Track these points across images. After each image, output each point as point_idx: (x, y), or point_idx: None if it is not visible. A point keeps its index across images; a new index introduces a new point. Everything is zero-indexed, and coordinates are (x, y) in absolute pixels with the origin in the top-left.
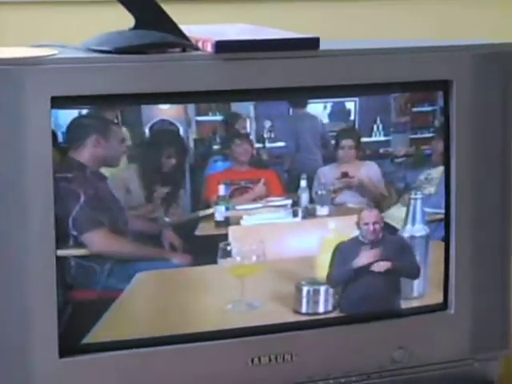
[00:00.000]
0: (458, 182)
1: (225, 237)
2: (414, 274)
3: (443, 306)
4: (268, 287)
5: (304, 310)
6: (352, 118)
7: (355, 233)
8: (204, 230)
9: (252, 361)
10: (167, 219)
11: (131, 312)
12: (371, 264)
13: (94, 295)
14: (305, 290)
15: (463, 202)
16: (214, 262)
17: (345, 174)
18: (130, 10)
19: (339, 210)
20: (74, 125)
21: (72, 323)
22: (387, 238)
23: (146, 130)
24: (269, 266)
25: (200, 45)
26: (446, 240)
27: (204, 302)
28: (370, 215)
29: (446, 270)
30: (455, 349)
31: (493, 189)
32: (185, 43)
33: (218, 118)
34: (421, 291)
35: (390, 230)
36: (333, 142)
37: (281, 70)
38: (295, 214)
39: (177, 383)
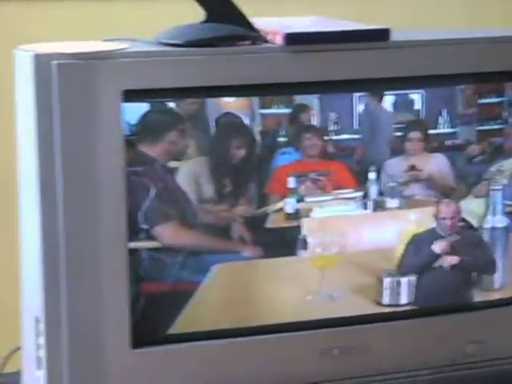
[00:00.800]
0: None
1: (297, 229)
2: (490, 269)
3: None
4: (348, 279)
5: (386, 301)
6: (419, 109)
7: (432, 225)
8: (274, 222)
9: (323, 353)
10: (237, 212)
11: (209, 304)
12: (445, 257)
13: (166, 287)
14: (386, 281)
15: None
16: (290, 253)
17: (412, 167)
18: (200, 3)
19: (409, 202)
20: (144, 118)
21: (145, 315)
22: (462, 231)
23: (213, 123)
24: (348, 257)
25: (270, 37)
26: None
27: (283, 294)
28: (448, 210)
29: None
30: None
31: None
32: (255, 36)
33: (287, 110)
34: (501, 283)
35: (464, 223)
36: (400, 134)
37: (351, 62)
38: (365, 207)
39: (254, 374)
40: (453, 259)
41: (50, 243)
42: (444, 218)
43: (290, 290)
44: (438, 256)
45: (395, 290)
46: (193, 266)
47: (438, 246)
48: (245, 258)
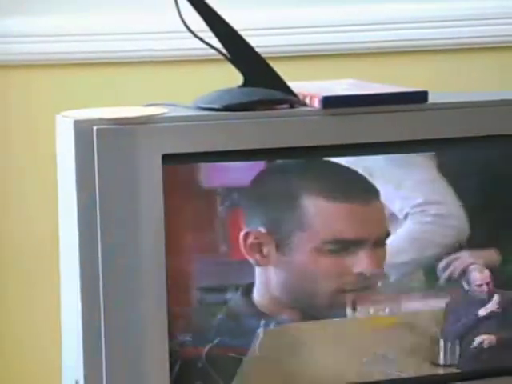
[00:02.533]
0: None
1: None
2: None
3: None
4: (402, 339)
5: (442, 361)
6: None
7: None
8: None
9: None
10: None
11: (259, 369)
12: (485, 319)
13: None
14: (442, 341)
15: None
16: (341, 315)
17: None
18: (238, 67)
19: None
20: (182, 182)
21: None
22: (501, 293)
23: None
24: (401, 318)
25: (308, 101)
26: None
27: (338, 356)
28: (480, 276)
29: None
30: None
31: None
32: (292, 99)
33: None
34: None
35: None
36: None
37: (389, 124)
38: None
39: None
40: (491, 322)
41: (90, 307)
42: (480, 285)
43: (345, 351)
44: (478, 322)
45: (450, 349)
46: (235, 330)
47: (478, 313)
48: (291, 321)
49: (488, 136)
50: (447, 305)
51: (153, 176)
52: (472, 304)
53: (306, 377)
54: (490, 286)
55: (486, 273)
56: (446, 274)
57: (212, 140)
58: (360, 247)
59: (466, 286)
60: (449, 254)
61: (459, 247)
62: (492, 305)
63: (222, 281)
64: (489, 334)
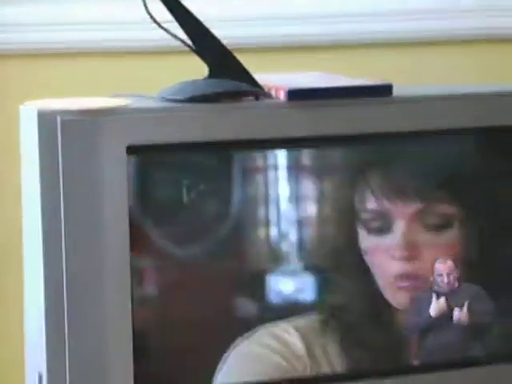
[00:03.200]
0: None
1: None
2: (487, 327)
3: None
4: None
5: (406, 353)
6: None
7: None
8: None
9: None
10: None
11: None
12: (446, 314)
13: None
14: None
15: None
16: None
17: None
18: (203, 59)
19: None
20: (147, 173)
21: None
22: (467, 286)
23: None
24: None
25: (273, 93)
26: None
27: None
28: (443, 267)
29: None
30: None
31: None
32: (258, 91)
33: None
34: (501, 338)
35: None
36: None
37: (353, 117)
38: None
39: None
40: (454, 315)
41: (53, 299)
42: (441, 275)
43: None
44: (440, 316)
45: (415, 341)
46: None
47: (433, 309)
48: None
49: (452, 129)
50: (412, 296)
51: (117, 167)
52: (435, 295)
53: None
54: (452, 277)
55: (450, 264)
56: None
57: (176, 131)
58: None
59: (430, 278)
60: None
61: None
62: (455, 297)
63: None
64: (451, 326)
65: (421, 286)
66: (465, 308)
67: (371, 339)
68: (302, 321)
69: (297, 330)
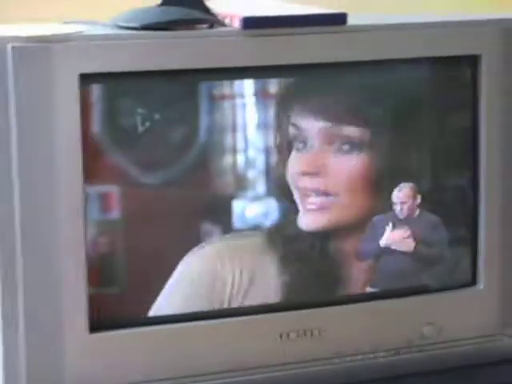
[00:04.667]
0: (487, 164)
1: None
2: (440, 256)
3: (472, 281)
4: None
5: (355, 280)
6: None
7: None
8: None
9: (281, 336)
10: None
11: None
12: (400, 241)
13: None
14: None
15: (492, 186)
16: None
17: None
18: None
19: None
20: (101, 101)
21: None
22: (424, 215)
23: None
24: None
25: (227, 21)
26: (475, 217)
27: None
28: (398, 195)
29: (475, 245)
30: (484, 324)
31: None
32: (212, 19)
33: None
34: (451, 267)
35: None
36: None
37: (308, 46)
38: None
39: (207, 359)
40: (407, 243)
41: (4, 227)
42: (395, 203)
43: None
44: (393, 243)
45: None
46: None
47: (394, 235)
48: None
49: (406, 59)
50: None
51: (70, 95)
52: (391, 223)
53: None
54: (407, 206)
55: (406, 192)
56: None
57: (130, 59)
58: None
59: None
60: None
61: None
62: (411, 225)
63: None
64: (404, 254)
65: (329, 204)
66: (419, 237)
67: (309, 266)
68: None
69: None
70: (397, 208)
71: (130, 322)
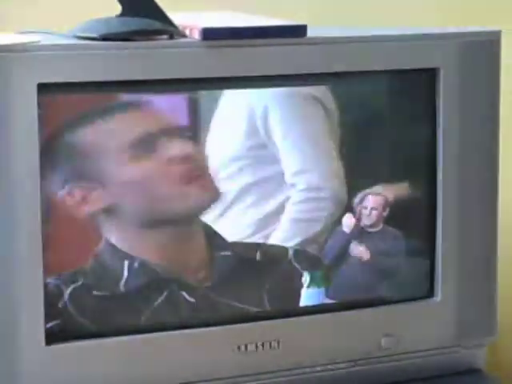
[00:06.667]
0: (445, 177)
1: None
2: (398, 268)
3: (430, 293)
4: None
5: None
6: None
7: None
8: None
9: (239, 348)
10: None
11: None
12: (359, 253)
13: None
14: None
15: (450, 199)
16: None
17: None
18: None
19: None
20: (58, 112)
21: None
22: (386, 228)
23: None
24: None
25: (187, 32)
26: (433, 230)
27: None
28: (374, 199)
29: (432, 258)
30: (442, 336)
31: (478, 180)
32: (172, 30)
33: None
34: (408, 279)
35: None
36: None
37: (268, 58)
38: None
39: (165, 371)
40: (363, 253)
41: None
42: (366, 207)
43: None
44: (348, 241)
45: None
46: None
47: (345, 222)
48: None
49: (366, 71)
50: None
51: (28, 105)
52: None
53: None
54: (376, 213)
55: (378, 200)
56: None
57: (89, 70)
58: None
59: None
60: None
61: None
62: (370, 236)
63: None
64: (362, 263)
65: None
66: (378, 249)
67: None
68: None
69: None
70: (365, 213)
71: (87, 333)
